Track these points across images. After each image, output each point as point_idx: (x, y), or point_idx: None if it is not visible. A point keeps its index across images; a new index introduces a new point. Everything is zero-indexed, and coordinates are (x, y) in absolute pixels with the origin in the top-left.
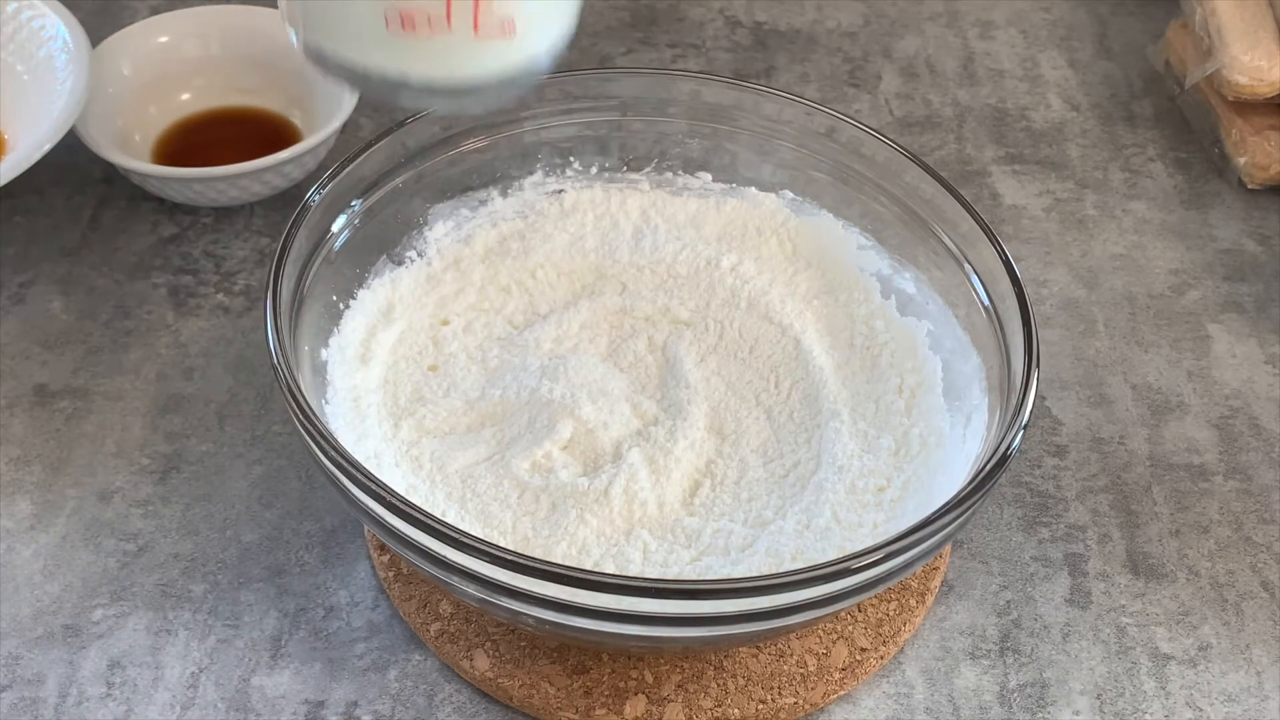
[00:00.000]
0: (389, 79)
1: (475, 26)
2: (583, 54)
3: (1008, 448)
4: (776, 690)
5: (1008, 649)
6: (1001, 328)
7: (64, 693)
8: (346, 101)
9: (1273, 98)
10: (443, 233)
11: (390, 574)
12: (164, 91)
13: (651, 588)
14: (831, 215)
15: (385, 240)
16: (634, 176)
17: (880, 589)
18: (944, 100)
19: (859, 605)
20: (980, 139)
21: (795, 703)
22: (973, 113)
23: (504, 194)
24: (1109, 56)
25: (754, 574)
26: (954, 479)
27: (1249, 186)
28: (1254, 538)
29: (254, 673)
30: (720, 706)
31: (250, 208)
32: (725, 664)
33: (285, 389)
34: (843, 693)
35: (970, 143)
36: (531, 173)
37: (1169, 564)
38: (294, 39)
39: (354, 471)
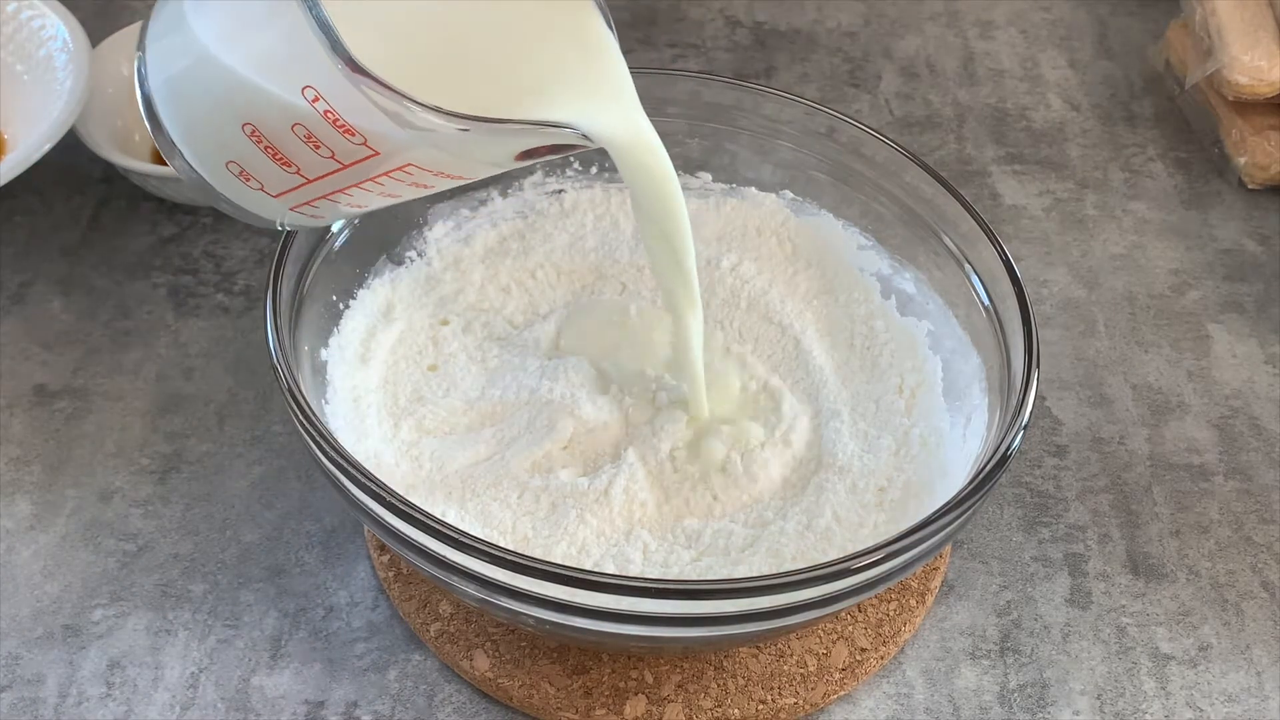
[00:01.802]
0: (203, 183)
1: (293, 208)
2: None
3: (1008, 448)
4: (776, 690)
5: (1008, 649)
6: (1001, 328)
7: (64, 693)
8: None
9: (1273, 98)
10: (442, 233)
11: (390, 574)
12: None
13: (651, 588)
14: (831, 215)
15: (385, 240)
16: None
17: (880, 589)
18: (944, 100)
19: (859, 605)
20: (980, 139)
21: (795, 703)
22: (973, 113)
23: (504, 194)
24: (1109, 56)
25: (754, 574)
26: (954, 479)
27: (1249, 186)
28: (1254, 538)
29: (254, 673)
30: (720, 706)
31: None
32: (725, 664)
33: (285, 389)
34: (843, 693)
35: (970, 143)
36: (531, 173)
37: (1169, 564)
38: (140, 87)
39: (354, 471)
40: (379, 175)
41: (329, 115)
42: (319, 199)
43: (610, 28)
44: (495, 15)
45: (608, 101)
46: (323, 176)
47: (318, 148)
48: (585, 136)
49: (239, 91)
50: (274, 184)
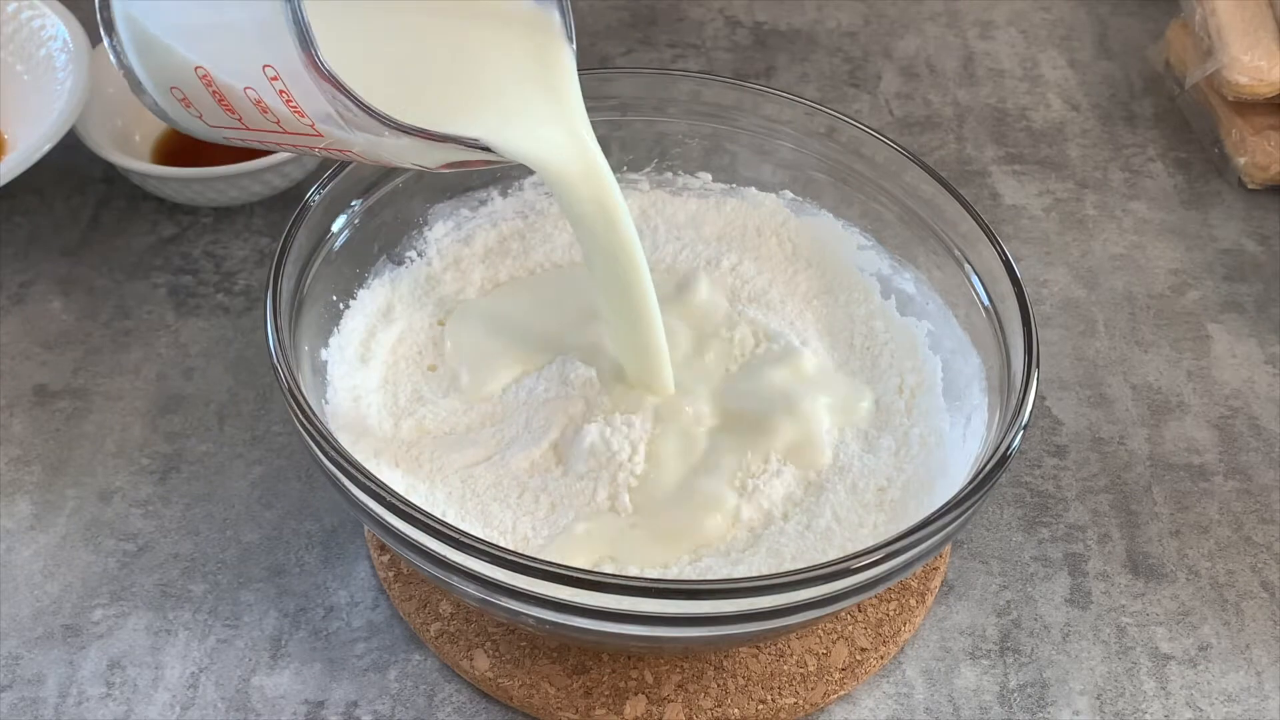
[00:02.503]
0: (143, 91)
1: (227, 138)
2: (582, 54)
3: (1008, 448)
4: (776, 690)
5: (1008, 649)
6: (1001, 328)
7: (64, 693)
8: None
9: (1273, 98)
10: (443, 233)
11: (390, 574)
12: None
13: (651, 588)
14: (831, 215)
15: (385, 240)
16: (634, 176)
17: (880, 589)
18: (944, 100)
19: (859, 605)
20: (980, 139)
21: (795, 703)
22: (973, 113)
23: (504, 194)
24: (1109, 56)
25: (754, 574)
26: (954, 479)
27: (1249, 186)
28: (1254, 538)
29: (254, 673)
30: (720, 706)
31: (250, 208)
32: (725, 664)
33: (285, 389)
34: (843, 693)
35: (970, 143)
36: (532, 172)
37: (1169, 564)
38: (102, 9)
39: (354, 471)
40: (316, 148)
41: (284, 95)
42: (253, 140)
43: (569, 43)
44: (454, 27)
45: (528, 121)
46: (262, 130)
47: (265, 112)
48: (493, 151)
49: (199, 44)
50: (213, 119)
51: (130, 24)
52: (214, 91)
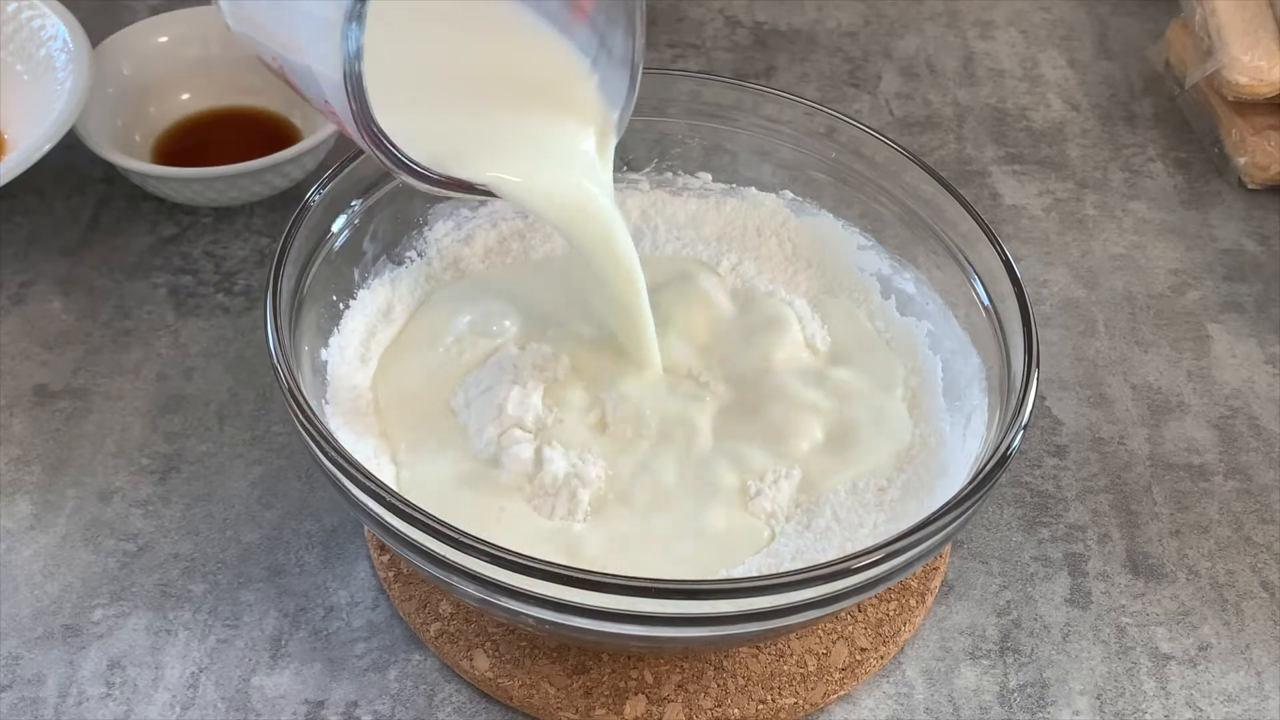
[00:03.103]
0: (265, 58)
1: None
2: None
3: (1008, 448)
4: (776, 690)
5: (1008, 649)
6: (1001, 328)
7: (64, 693)
8: None
9: (1273, 98)
10: (443, 233)
11: (390, 574)
12: (164, 91)
13: (651, 588)
14: (831, 215)
15: (385, 240)
16: (634, 176)
17: (880, 589)
18: (944, 100)
19: (859, 605)
20: (980, 139)
21: (795, 703)
22: (973, 113)
23: None
24: (1109, 56)
25: (754, 574)
26: (954, 479)
27: (1249, 186)
28: (1254, 538)
29: (254, 673)
30: (720, 706)
31: (250, 208)
32: (725, 664)
33: (285, 389)
34: (843, 693)
35: (970, 143)
36: None
37: (1169, 564)
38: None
39: (354, 471)
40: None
41: (338, 120)
42: None
43: (616, 135)
44: (503, 92)
45: (554, 181)
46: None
47: (328, 115)
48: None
49: (279, 49)
50: (291, 88)
51: (232, 11)
52: (289, 82)
